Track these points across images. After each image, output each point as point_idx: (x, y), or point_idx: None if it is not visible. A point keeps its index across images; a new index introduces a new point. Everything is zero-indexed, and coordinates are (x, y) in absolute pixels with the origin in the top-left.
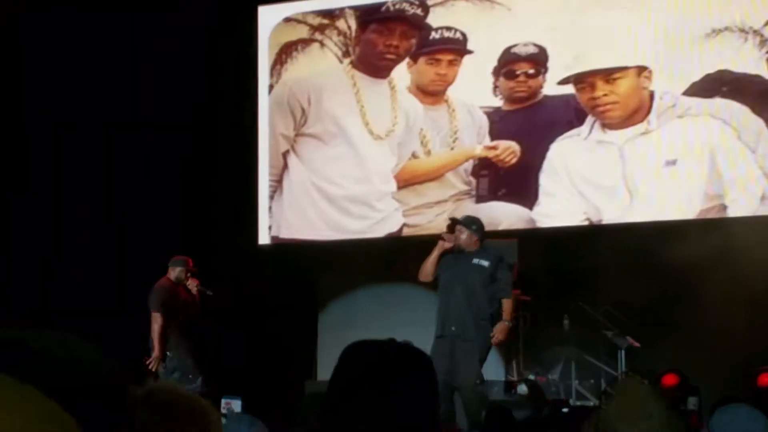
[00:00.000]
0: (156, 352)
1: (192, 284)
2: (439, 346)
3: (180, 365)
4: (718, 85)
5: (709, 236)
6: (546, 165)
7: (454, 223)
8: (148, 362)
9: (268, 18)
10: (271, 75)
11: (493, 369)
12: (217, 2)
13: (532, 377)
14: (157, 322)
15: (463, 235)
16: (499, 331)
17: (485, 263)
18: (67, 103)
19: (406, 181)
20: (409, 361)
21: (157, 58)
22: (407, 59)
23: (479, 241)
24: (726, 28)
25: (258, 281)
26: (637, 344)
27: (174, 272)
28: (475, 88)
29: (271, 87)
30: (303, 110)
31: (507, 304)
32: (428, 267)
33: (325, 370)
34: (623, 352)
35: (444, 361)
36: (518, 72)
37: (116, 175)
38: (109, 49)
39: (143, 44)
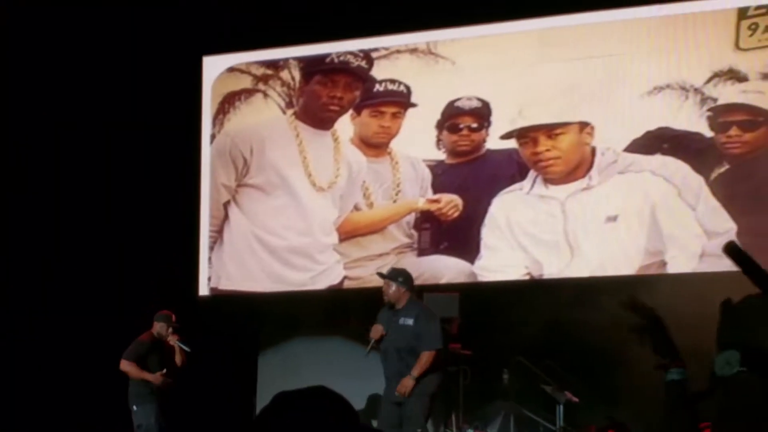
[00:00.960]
0: (152, 377)
1: (173, 339)
2: (385, 408)
3: (145, 422)
4: (659, 142)
5: (649, 292)
6: (488, 219)
7: (381, 278)
8: (161, 385)
9: (212, 68)
10: (214, 125)
11: (433, 422)
12: (162, 52)
13: None
14: (128, 366)
15: (391, 289)
16: (402, 386)
17: (410, 321)
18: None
19: (348, 234)
20: (334, 409)
21: (102, 104)
22: (351, 111)
23: (408, 292)
24: (667, 86)
25: (197, 333)
26: (575, 399)
27: (156, 327)
28: (418, 141)
29: (213, 137)
30: (245, 160)
31: (424, 357)
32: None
33: None
34: (562, 406)
35: (390, 423)
36: (461, 126)
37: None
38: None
39: (90, 86)
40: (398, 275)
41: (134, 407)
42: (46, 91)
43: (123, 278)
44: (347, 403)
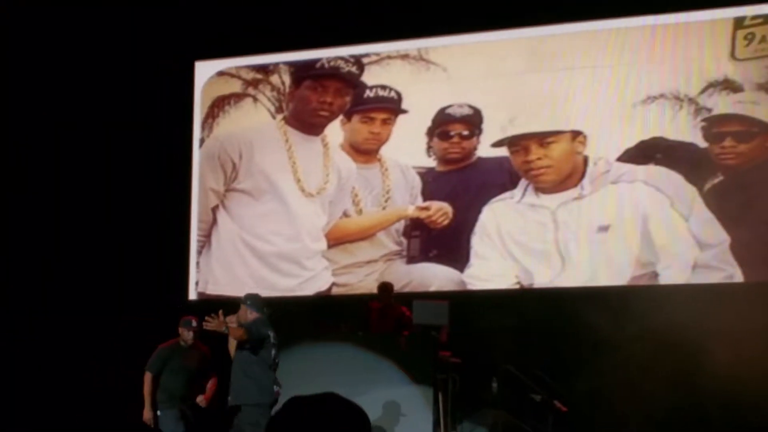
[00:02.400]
0: (145, 413)
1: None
2: None
3: (165, 428)
4: (653, 151)
5: (641, 303)
6: (478, 227)
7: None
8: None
9: (204, 73)
10: (203, 129)
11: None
12: (155, 57)
13: None
14: (145, 382)
15: (241, 311)
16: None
17: None
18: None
19: (336, 240)
20: (347, 416)
21: (94, 107)
22: (341, 117)
23: (254, 313)
24: (661, 96)
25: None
26: (564, 408)
27: (180, 332)
28: (408, 147)
29: (202, 141)
30: (234, 165)
31: None
32: None
33: None
34: (551, 416)
35: None
36: (452, 133)
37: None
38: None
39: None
40: (247, 299)
41: (158, 413)
42: (41, 92)
43: (115, 280)
44: (360, 411)
